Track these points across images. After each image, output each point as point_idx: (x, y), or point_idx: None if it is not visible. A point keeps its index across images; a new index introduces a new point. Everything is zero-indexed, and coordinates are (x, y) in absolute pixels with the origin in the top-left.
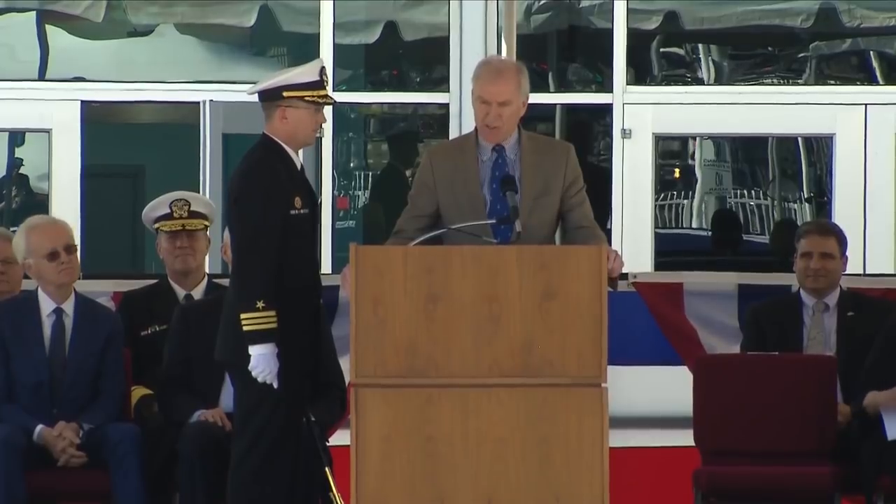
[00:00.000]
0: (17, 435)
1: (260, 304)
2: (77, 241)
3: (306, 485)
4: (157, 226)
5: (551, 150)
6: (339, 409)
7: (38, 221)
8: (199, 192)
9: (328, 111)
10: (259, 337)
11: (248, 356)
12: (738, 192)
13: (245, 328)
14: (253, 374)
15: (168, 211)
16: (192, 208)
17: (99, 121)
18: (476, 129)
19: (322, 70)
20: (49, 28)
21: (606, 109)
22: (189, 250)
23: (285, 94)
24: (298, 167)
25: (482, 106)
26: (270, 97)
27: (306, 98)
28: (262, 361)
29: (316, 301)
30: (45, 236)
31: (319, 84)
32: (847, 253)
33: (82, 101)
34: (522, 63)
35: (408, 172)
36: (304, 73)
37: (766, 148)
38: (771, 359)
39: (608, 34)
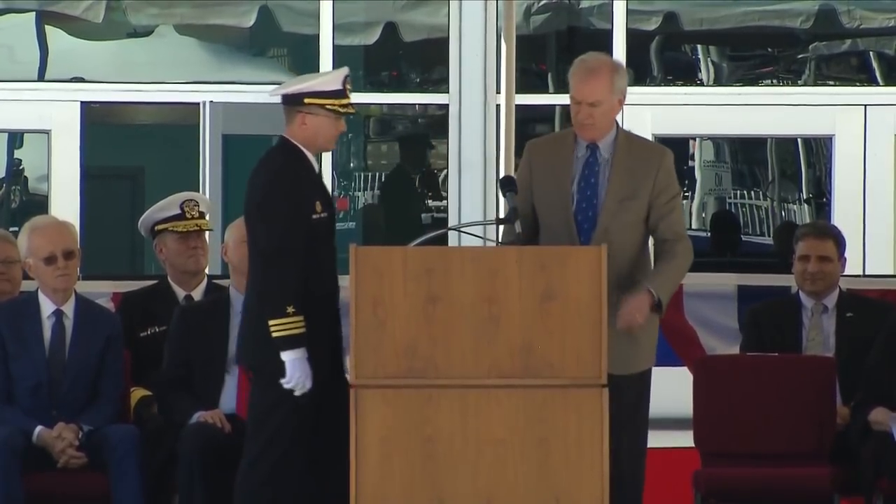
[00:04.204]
0: (15, 436)
1: (290, 310)
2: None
3: (317, 489)
4: (164, 227)
5: (646, 154)
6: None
7: (42, 222)
8: (200, 193)
9: None
10: (290, 342)
11: (270, 359)
12: (738, 192)
13: (275, 334)
14: (289, 385)
15: (179, 211)
16: (199, 208)
17: (98, 122)
18: None
19: (346, 79)
20: (48, 29)
21: None
22: (201, 251)
23: (307, 100)
24: (316, 171)
25: (574, 105)
26: (292, 102)
27: (327, 106)
28: (297, 368)
29: (336, 305)
30: (46, 239)
31: (342, 93)
32: (846, 254)
33: (82, 102)
34: (618, 62)
35: (415, 174)
36: (327, 81)
37: (766, 149)
38: (770, 360)
39: (607, 35)
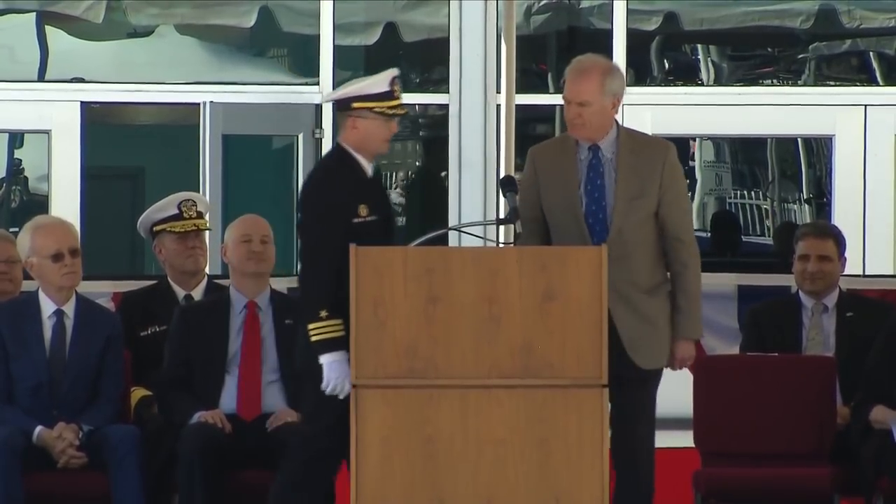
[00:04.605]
0: (15, 437)
1: (323, 314)
2: None
3: None
4: (162, 227)
5: (649, 150)
6: None
7: (45, 221)
8: (198, 193)
9: (328, 112)
10: (326, 346)
11: (312, 364)
12: (738, 192)
13: (313, 338)
14: (328, 389)
15: (177, 212)
16: (197, 208)
17: (99, 122)
18: None
19: (393, 80)
20: (49, 29)
21: None
22: (199, 250)
23: (355, 104)
24: (369, 175)
25: (565, 104)
26: (342, 107)
27: (375, 109)
28: (333, 369)
29: None
30: (51, 237)
31: (390, 95)
32: (846, 254)
33: (82, 102)
34: (614, 64)
35: (415, 173)
36: (374, 84)
37: (766, 149)
38: (770, 360)
39: (608, 35)
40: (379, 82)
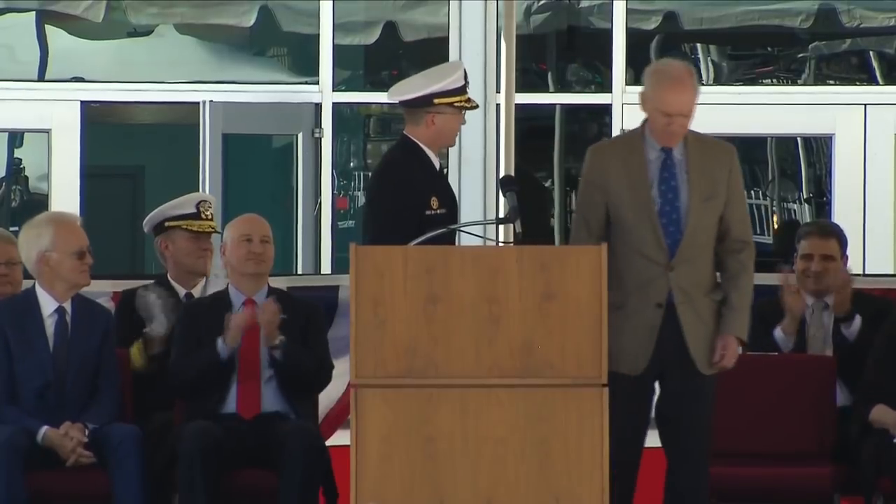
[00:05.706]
0: (18, 435)
1: None
2: None
3: None
4: (176, 224)
5: (717, 152)
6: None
7: (68, 217)
8: (210, 195)
9: (328, 111)
10: None
11: None
12: None
13: None
14: None
15: (195, 211)
16: (211, 211)
17: (98, 121)
18: (643, 126)
19: (465, 74)
20: (49, 28)
21: (606, 110)
22: (210, 253)
23: (436, 101)
24: (437, 168)
25: (664, 117)
26: (420, 104)
27: (455, 104)
28: None
29: None
30: (76, 234)
31: (464, 89)
32: (847, 253)
33: (82, 102)
34: (691, 66)
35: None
36: (452, 79)
37: (766, 148)
38: (770, 360)
39: (607, 34)
40: (456, 77)
